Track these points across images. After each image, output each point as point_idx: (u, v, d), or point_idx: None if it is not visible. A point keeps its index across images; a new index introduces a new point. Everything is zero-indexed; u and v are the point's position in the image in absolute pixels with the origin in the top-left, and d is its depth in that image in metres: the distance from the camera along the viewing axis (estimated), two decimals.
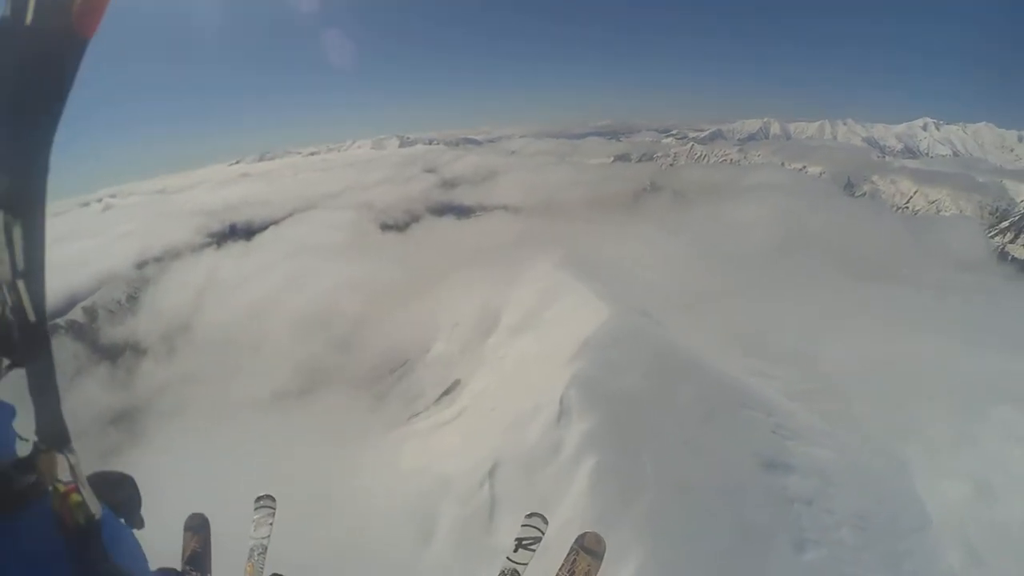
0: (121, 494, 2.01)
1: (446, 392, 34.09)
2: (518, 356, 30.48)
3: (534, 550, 3.53)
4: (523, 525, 3.65)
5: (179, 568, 3.43)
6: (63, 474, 1.43)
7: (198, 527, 3.73)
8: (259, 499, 4.32)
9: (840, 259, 49.74)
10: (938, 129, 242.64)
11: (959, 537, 16.34)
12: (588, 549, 3.36)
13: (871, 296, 38.09)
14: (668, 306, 33.41)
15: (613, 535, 15.09)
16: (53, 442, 1.44)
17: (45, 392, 1.43)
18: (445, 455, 23.27)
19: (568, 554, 3.36)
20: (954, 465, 18.87)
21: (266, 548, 4.04)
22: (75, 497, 1.42)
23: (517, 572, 3.45)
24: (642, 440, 18.33)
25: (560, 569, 3.29)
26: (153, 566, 2.19)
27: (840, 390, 24.22)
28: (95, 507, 1.45)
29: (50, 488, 1.42)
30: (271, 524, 4.20)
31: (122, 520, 1.89)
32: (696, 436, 19.06)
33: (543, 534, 3.59)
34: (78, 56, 1.13)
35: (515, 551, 3.53)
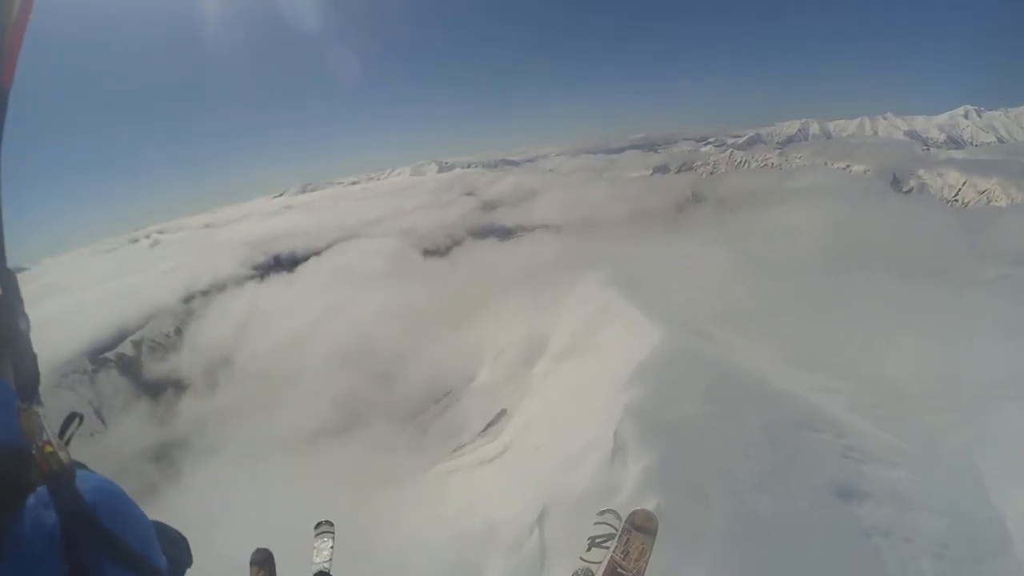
0: (175, 551, 2.18)
1: (491, 424, 32.48)
2: (567, 384, 28.83)
3: (608, 547, 3.46)
4: (596, 523, 3.70)
5: None
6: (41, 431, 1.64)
7: (263, 561, 3.94)
8: (319, 525, 4.53)
9: (896, 260, 47.14)
10: (980, 116, 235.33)
11: None
12: (640, 527, 3.36)
13: (931, 297, 35.67)
14: (721, 322, 31.59)
15: None
16: (30, 397, 1.72)
17: (17, 348, 1.77)
18: (490, 497, 21.69)
19: (620, 535, 3.36)
20: None
21: (328, 573, 4.18)
22: (48, 448, 1.60)
23: (591, 572, 3.46)
24: (707, 476, 16.50)
25: (614, 551, 3.31)
26: None
27: (907, 401, 22.38)
28: (65, 455, 1.63)
29: (33, 449, 1.60)
30: (332, 548, 4.35)
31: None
32: (765, 467, 17.21)
33: (617, 530, 3.49)
34: (3, 106, 1.38)
35: (588, 550, 3.57)
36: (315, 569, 4.21)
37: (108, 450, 55.64)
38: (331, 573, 4.25)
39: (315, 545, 4.40)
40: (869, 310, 33.32)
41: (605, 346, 29.12)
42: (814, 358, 27.35)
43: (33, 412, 1.66)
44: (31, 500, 1.58)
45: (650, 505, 15.65)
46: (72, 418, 1.96)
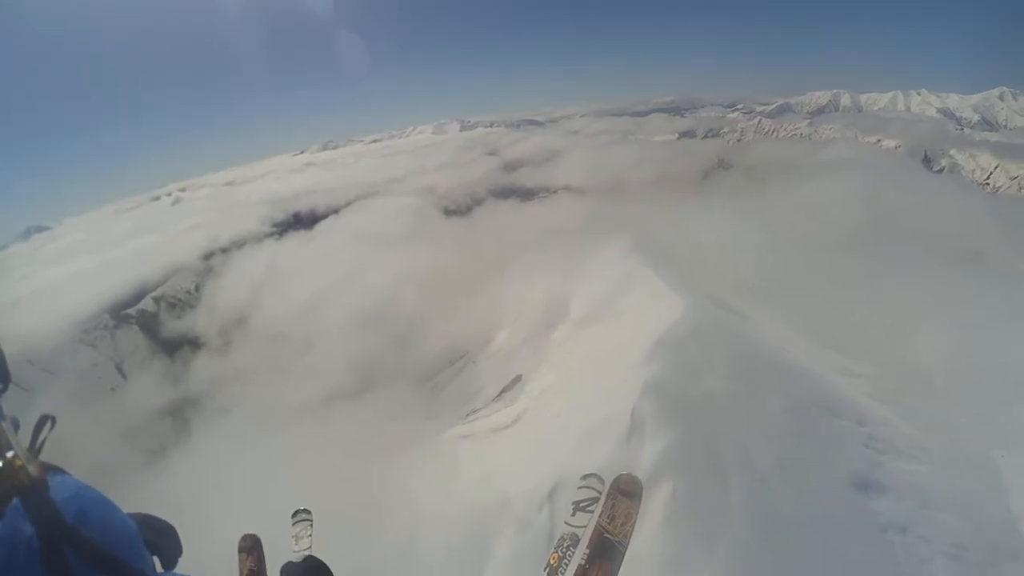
0: (164, 542, 2.25)
1: (506, 389, 32.16)
2: (585, 353, 28.15)
3: (592, 511, 3.41)
4: (579, 487, 3.60)
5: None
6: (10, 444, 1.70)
7: (251, 547, 3.99)
8: (296, 513, 4.42)
9: (926, 241, 45.93)
10: (1015, 99, 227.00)
11: None
12: (625, 491, 3.34)
13: (960, 284, 34.67)
14: (745, 295, 30.83)
15: None
16: None
17: None
18: (503, 467, 21.25)
19: (606, 499, 3.33)
20: None
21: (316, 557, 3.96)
22: (17, 462, 1.65)
23: (576, 536, 3.42)
24: (726, 461, 15.86)
25: (600, 515, 3.28)
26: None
27: (930, 390, 21.77)
28: (36, 468, 1.68)
29: (2, 463, 1.66)
30: (311, 535, 4.22)
31: (156, 558, 2.04)
32: (785, 453, 16.51)
33: (601, 495, 3.46)
34: None
35: (572, 514, 3.51)
36: (294, 558, 3.98)
37: (125, 406, 56.29)
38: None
39: (293, 534, 4.28)
40: (896, 292, 32.65)
41: (627, 315, 28.29)
42: (838, 338, 26.75)
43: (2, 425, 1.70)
44: (8, 511, 1.61)
45: (666, 489, 15.18)
46: (43, 422, 1.91)
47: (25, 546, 1.55)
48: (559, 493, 17.65)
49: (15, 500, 1.62)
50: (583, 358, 27.97)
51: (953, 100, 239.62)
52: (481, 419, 29.39)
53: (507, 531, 17.75)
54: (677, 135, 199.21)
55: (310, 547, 4.12)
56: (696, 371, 19.68)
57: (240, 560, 3.94)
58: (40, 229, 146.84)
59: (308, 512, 4.45)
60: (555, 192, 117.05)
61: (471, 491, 20.75)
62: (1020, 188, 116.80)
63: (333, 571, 3.45)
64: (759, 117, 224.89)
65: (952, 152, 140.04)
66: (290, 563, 3.41)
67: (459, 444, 26.73)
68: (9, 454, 1.64)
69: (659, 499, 15.07)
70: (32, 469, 1.64)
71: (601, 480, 3.59)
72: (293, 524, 4.37)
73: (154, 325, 76.60)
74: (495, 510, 18.66)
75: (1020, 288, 34.75)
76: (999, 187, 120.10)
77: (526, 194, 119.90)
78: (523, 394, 29.18)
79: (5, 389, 2.04)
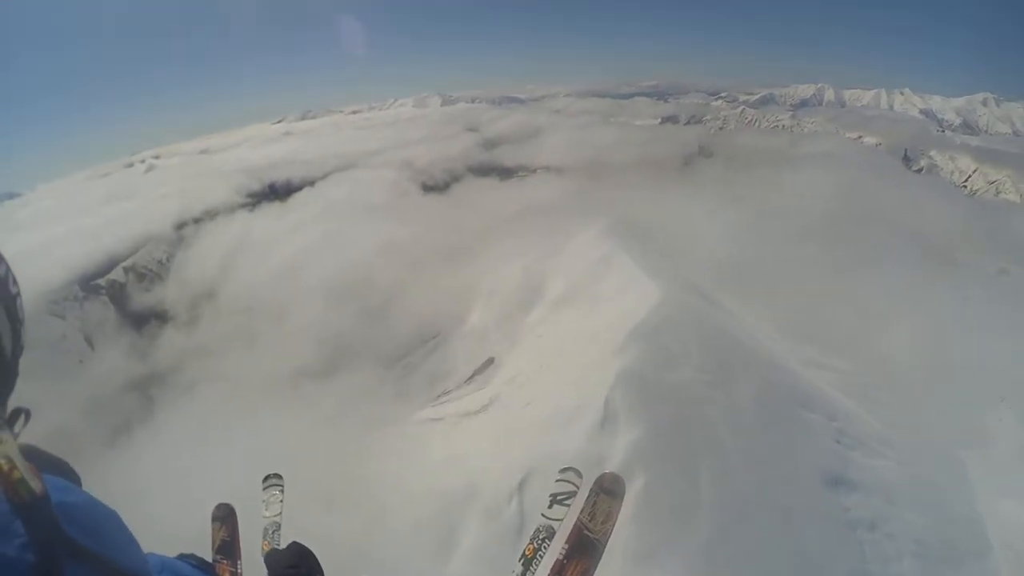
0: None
1: (478, 371, 31.86)
2: (559, 337, 27.99)
3: (569, 505, 3.52)
4: (557, 480, 3.66)
5: (211, 558, 3.71)
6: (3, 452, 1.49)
7: (225, 517, 3.95)
8: (267, 478, 4.38)
9: (902, 238, 46.75)
10: (998, 106, 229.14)
11: (1019, 566, 14.43)
12: (608, 490, 3.35)
13: (932, 282, 35.70)
14: (722, 283, 30.98)
15: (660, 573, 13.17)
16: None
17: None
18: (473, 455, 20.99)
19: (588, 496, 3.34)
20: (1021, 482, 17.07)
21: (279, 525, 4.10)
22: (16, 474, 1.45)
23: (552, 529, 3.49)
24: (697, 453, 15.77)
25: (581, 512, 3.31)
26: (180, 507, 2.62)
27: (899, 385, 22.26)
28: (35, 482, 1.47)
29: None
30: (281, 502, 4.22)
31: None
32: (757, 445, 16.58)
33: (578, 488, 3.57)
34: None
35: (549, 507, 3.57)
36: (265, 523, 4.15)
37: (91, 380, 55.22)
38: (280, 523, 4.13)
39: (263, 499, 4.30)
40: (869, 286, 33.29)
41: (602, 299, 28.21)
42: (810, 330, 27.03)
43: None
44: None
45: (637, 482, 15.02)
46: (16, 415, 1.75)
47: (16, 561, 1.38)
48: (529, 484, 17.38)
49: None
50: (557, 343, 27.79)
51: (936, 102, 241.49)
52: (452, 402, 29.16)
53: (475, 521, 17.52)
54: (660, 120, 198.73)
55: (280, 513, 4.18)
56: (669, 360, 19.54)
57: (213, 530, 3.94)
58: (11, 195, 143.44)
59: (279, 478, 4.42)
60: (535, 171, 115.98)
61: (440, 478, 20.45)
62: (997, 192, 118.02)
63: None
64: (742, 106, 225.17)
65: (932, 153, 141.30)
66: (275, 550, 3.14)
67: (429, 428, 26.47)
68: (2, 463, 1.44)
69: (631, 491, 14.85)
70: (33, 483, 1.46)
71: (579, 474, 3.67)
72: (264, 489, 4.36)
73: (123, 296, 74.73)
74: (464, 499, 18.42)
75: (990, 290, 35.52)
76: (977, 190, 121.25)
77: (505, 172, 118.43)
78: (495, 378, 29.01)
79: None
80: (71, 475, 2.02)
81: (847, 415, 19.47)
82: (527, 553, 3.43)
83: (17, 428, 1.73)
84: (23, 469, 1.46)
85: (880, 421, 19.76)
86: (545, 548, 3.44)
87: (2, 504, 1.43)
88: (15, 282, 1.89)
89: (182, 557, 2.53)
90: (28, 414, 1.78)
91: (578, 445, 17.24)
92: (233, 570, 3.77)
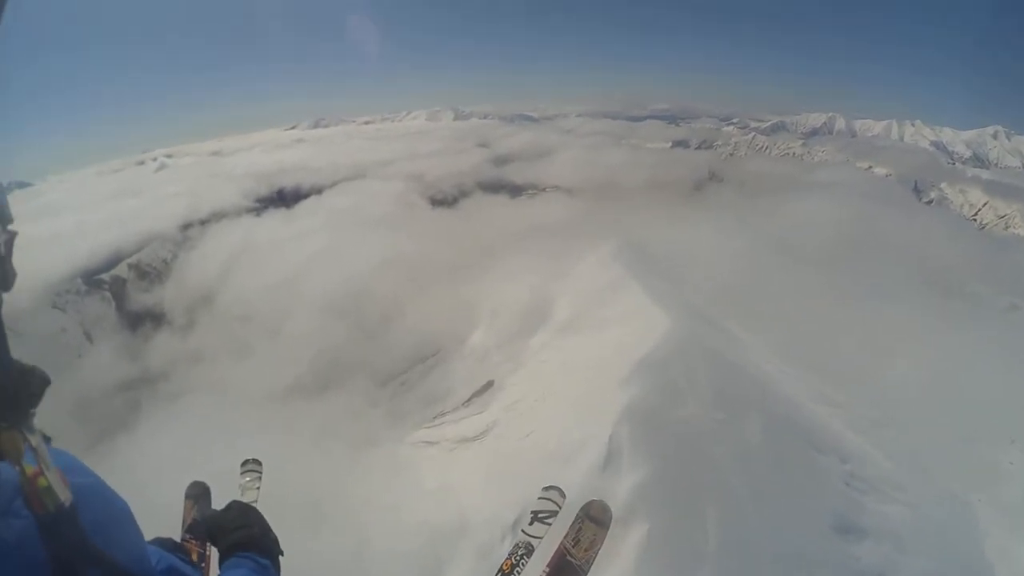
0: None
1: (477, 393, 31.05)
2: (563, 364, 27.14)
3: (550, 523, 3.55)
4: (539, 498, 3.72)
5: (179, 537, 3.71)
6: (27, 455, 1.41)
7: (199, 495, 4.04)
8: (245, 463, 4.23)
9: (912, 271, 46.16)
10: (1008, 139, 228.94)
11: None
12: (594, 518, 3.34)
13: (942, 316, 35.16)
14: (730, 312, 30.27)
15: None
16: (13, 419, 1.43)
17: None
18: (467, 486, 20.18)
19: (574, 521, 3.36)
20: None
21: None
22: (42, 481, 1.39)
23: (531, 545, 3.51)
24: (704, 498, 14.89)
25: (565, 537, 3.30)
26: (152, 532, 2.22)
27: (908, 423, 21.41)
28: (63, 493, 1.41)
29: (16, 469, 1.40)
30: (258, 488, 4.08)
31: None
32: (766, 490, 15.74)
33: (559, 508, 3.63)
34: None
35: (530, 524, 3.59)
36: None
37: (84, 378, 54.59)
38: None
39: (240, 483, 4.09)
40: (880, 318, 32.52)
41: (609, 326, 27.48)
42: (819, 361, 26.31)
43: (13, 434, 1.40)
44: (10, 509, 1.38)
45: (641, 528, 14.10)
46: (42, 382, 1.58)
47: (32, 560, 1.34)
48: (523, 523, 16.37)
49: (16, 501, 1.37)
50: (560, 370, 26.96)
51: (947, 134, 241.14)
52: (448, 425, 28.49)
53: (465, 559, 16.65)
54: (671, 143, 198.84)
55: (256, 501, 3.93)
56: (677, 395, 18.76)
57: (185, 507, 3.91)
58: (22, 185, 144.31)
59: (258, 463, 4.28)
60: (544, 190, 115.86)
61: (431, 510, 19.66)
62: (1007, 227, 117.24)
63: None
64: (753, 133, 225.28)
65: (943, 185, 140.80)
66: (212, 512, 2.88)
67: (422, 452, 25.78)
68: (28, 469, 1.36)
69: (633, 539, 14.10)
70: (60, 492, 1.38)
71: (562, 494, 3.75)
72: (241, 474, 4.20)
73: (125, 293, 74.50)
74: (454, 534, 17.65)
75: (1000, 326, 34.79)
76: (986, 224, 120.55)
77: (515, 189, 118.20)
78: (494, 402, 28.18)
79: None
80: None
81: (857, 456, 18.79)
82: (504, 568, 3.40)
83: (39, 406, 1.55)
84: (50, 476, 1.36)
85: (890, 461, 19.06)
86: (523, 564, 3.43)
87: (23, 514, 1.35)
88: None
89: (157, 541, 2.55)
90: (46, 380, 1.53)
91: (579, 484, 16.27)
92: (201, 551, 3.63)
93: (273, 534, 2.55)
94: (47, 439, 1.57)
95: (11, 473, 1.38)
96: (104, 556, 1.49)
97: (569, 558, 3.22)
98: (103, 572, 1.49)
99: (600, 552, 3.26)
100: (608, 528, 3.35)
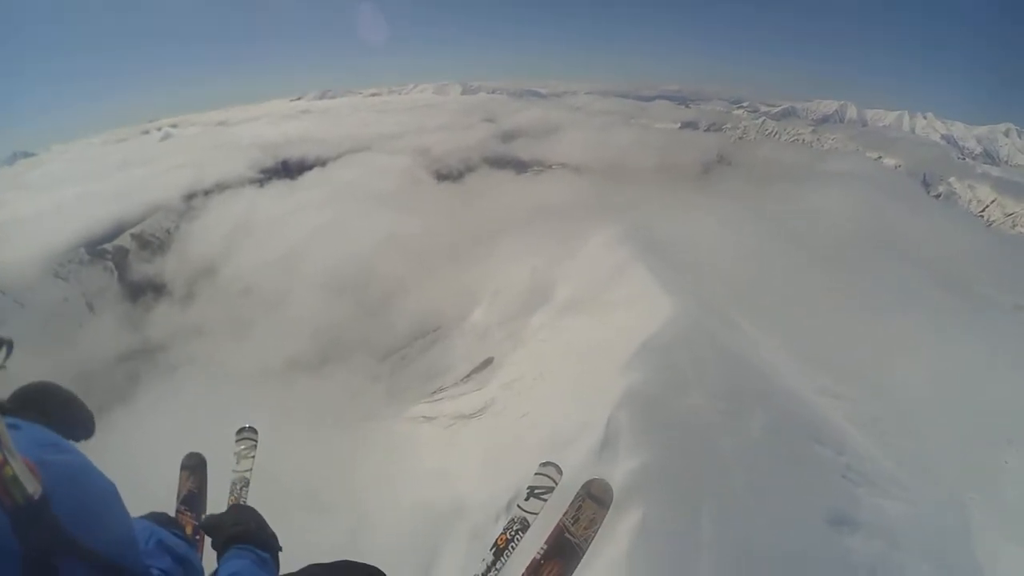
0: (67, 414, 1.94)
1: (476, 370, 31.05)
2: (564, 345, 26.86)
3: (546, 499, 3.53)
4: (536, 474, 3.67)
5: (174, 508, 3.67)
6: None
7: (195, 466, 3.94)
8: (241, 431, 4.27)
9: (919, 264, 45.53)
10: (1020, 137, 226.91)
11: None
12: (595, 497, 3.31)
13: (947, 312, 34.37)
14: (736, 301, 29.80)
15: None
16: None
17: None
18: (463, 466, 20.15)
19: (574, 499, 3.31)
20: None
21: (248, 481, 3.94)
22: (7, 471, 1.29)
23: (527, 521, 3.49)
24: (702, 487, 14.69)
25: (565, 514, 3.26)
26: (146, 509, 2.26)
27: (911, 420, 21.17)
28: (31, 483, 1.32)
29: None
30: (253, 457, 4.10)
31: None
32: (763, 480, 15.53)
33: (556, 484, 3.61)
34: None
35: (526, 499, 3.56)
36: (233, 477, 3.96)
37: (84, 349, 54.66)
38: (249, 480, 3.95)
39: (235, 451, 4.13)
40: (884, 313, 32.11)
41: (612, 309, 27.15)
42: (822, 354, 25.95)
43: None
44: None
45: (634, 515, 13.98)
46: None
47: (5, 554, 1.28)
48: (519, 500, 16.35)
49: None
50: (561, 350, 26.76)
51: (958, 128, 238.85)
52: (446, 400, 28.39)
53: (458, 539, 16.68)
54: (679, 124, 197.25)
55: (250, 470, 4.01)
56: (680, 383, 18.53)
57: (181, 478, 3.84)
58: (26, 155, 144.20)
59: (254, 431, 4.28)
60: (551, 167, 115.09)
61: (427, 490, 19.63)
62: (1014, 225, 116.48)
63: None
64: (764, 117, 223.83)
65: (951, 180, 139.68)
66: (211, 515, 2.77)
67: (420, 428, 25.68)
68: None
69: (627, 525, 13.89)
70: (28, 484, 1.29)
71: (559, 470, 3.71)
72: (236, 441, 4.22)
73: (127, 264, 74.43)
74: (450, 515, 17.56)
75: (1006, 327, 34.42)
76: (993, 221, 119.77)
77: (521, 166, 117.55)
78: (493, 380, 28.15)
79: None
80: (85, 422, 1.97)
81: (856, 450, 18.58)
82: (499, 543, 3.38)
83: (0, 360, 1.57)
84: (16, 465, 1.29)
85: (888, 457, 18.93)
86: (518, 540, 3.40)
87: None
88: None
89: (151, 516, 2.50)
90: (11, 345, 1.62)
91: (575, 467, 16.00)
92: (196, 524, 3.59)
93: (271, 530, 2.46)
94: (14, 425, 1.49)
95: None
96: (81, 546, 1.40)
97: (568, 535, 3.18)
98: (80, 562, 1.41)
99: (599, 532, 3.23)
100: (609, 507, 3.31)
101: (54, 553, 1.35)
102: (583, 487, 3.33)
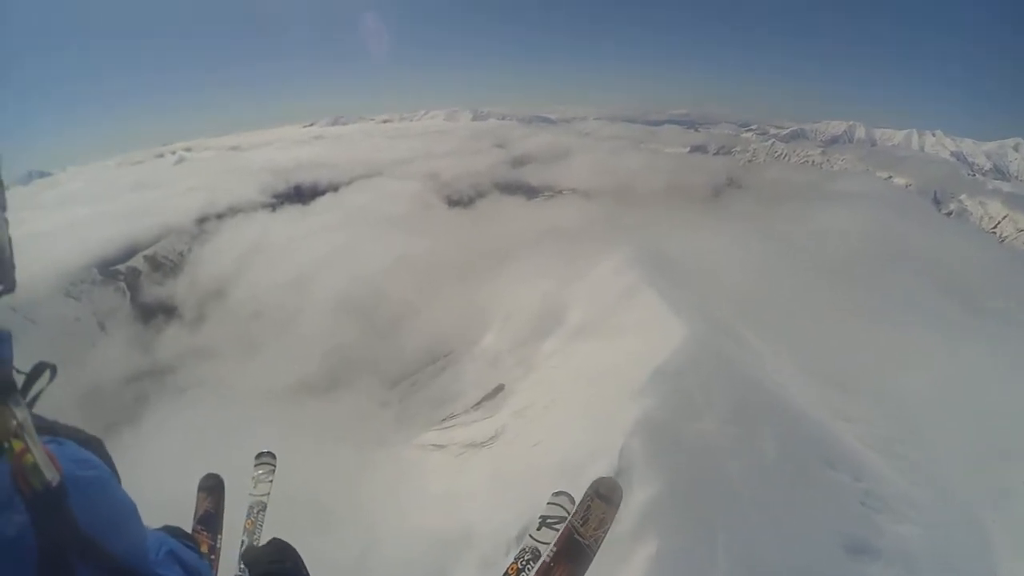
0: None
1: (487, 397, 30.79)
2: (575, 371, 26.69)
3: (558, 529, 3.38)
4: (549, 503, 3.65)
5: (191, 527, 3.63)
6: (14, 430, 1.36)
7: (212, 487, 3.89)
8: (260, 456, 4.32)
9: (931, 282, 45.19)
10: None
11: None
12: (604, 496, 3.30)
13: (963, 330, 34.02)
14: (747, 322, 29.58)
15: None
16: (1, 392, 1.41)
17: None
18: (473, 494, 19.90)
19: (583, 499, 3.31)
20: None
21: (265, 506, 4.00)
22: (28, 458, 1.33)
23: (538, 551, 3.40)
24: (716, 516, 14.43)
25: (574, 515, 3.26)
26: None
27: (927, 440, 20.84)
28: (50, 471, 1.35)
29: (3, 445, 1.35)
30: (271, 482, 4.16)
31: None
32: (779, 507, 15.26)
33: (569, 514, 3.46)
34: None
35: (538, 529, 3.52)
36: (251, 501, 4.03)
37: (94, 369, 54.80)
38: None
39: (254, 475, 4.20)
40: (896, 331, 31.80)
41: (623, 333, 26.87)
42: (834, 374, 25.86)
43: (6, 410, 1.36)
44: None
45: (650, 547, 13.69)
46: (41, 369, 1.60)
47: (17, 546, 1.28)
48: (531, 530, 16.06)
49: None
50: (572, 376, 26.60)
51: (967, 145, 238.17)
52: (457, 428, 28.25)
53: (468, 567, 16.38)
54: (689, 149, 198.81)
55: (268, 494, 4.08)
56: (692, 408, 18.34)
57: (198, 499, 3.83)
58: (42, 174, 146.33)
59: (272, 457, 4.34)
60: (561, 192, 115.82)
61: (436, 516, 19.43)
62: None
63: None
64: (773, 140, 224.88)
65: (962, 197, 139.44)
66: (252, 547, 3.01)
67: (429, 455, 25.48)
68: (16, 446, 1.31)
69: (641, 556, 13.63)
70: (47, 471, 1.32)
71: (572, 500, 3.61)
72: (255, 466, 4.27)
73: (140, 285, 74.94)
74: (459, 543, 17.27)
75: (1020, 341, 33.95)
76: (1005, 237, 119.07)
77: (531, 191, 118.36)
78: (504, 407, 27.91)
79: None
80: (102, 456, 1.88)
81: (874, 475, 18.20)
82: (510, 572, 3.34)
83: (40, 386, 1.56)
84: (37, 454, 1.32)
85: (904, 479, 18.56)
86: (529, 569, 3.33)
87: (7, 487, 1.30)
88: None
89: (166, 529, 2.47)
90: (54, 370, 1.57)
91: None
92: (212, 543, 3.62)
93: (307, 572, 2.42)
94: (56, 441, 1.53)
95: (9, 468, 1.30)
96: (96, 545, 1.42)
97: (577, 537, 3.16)
98: (95, 563, 1.43)
99: (608, 531, 3.22)
100: (618, 507, 3.29)
101: (70, 549, 1.36)
102: (591, 486, 3.34)
